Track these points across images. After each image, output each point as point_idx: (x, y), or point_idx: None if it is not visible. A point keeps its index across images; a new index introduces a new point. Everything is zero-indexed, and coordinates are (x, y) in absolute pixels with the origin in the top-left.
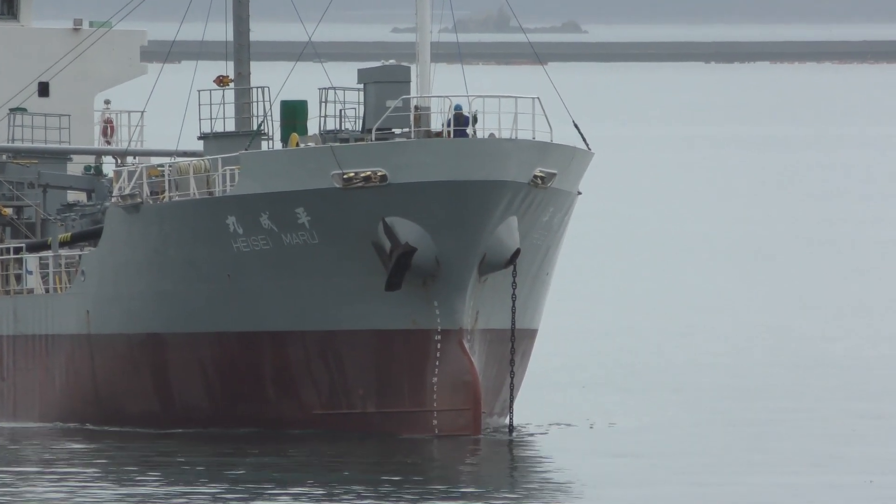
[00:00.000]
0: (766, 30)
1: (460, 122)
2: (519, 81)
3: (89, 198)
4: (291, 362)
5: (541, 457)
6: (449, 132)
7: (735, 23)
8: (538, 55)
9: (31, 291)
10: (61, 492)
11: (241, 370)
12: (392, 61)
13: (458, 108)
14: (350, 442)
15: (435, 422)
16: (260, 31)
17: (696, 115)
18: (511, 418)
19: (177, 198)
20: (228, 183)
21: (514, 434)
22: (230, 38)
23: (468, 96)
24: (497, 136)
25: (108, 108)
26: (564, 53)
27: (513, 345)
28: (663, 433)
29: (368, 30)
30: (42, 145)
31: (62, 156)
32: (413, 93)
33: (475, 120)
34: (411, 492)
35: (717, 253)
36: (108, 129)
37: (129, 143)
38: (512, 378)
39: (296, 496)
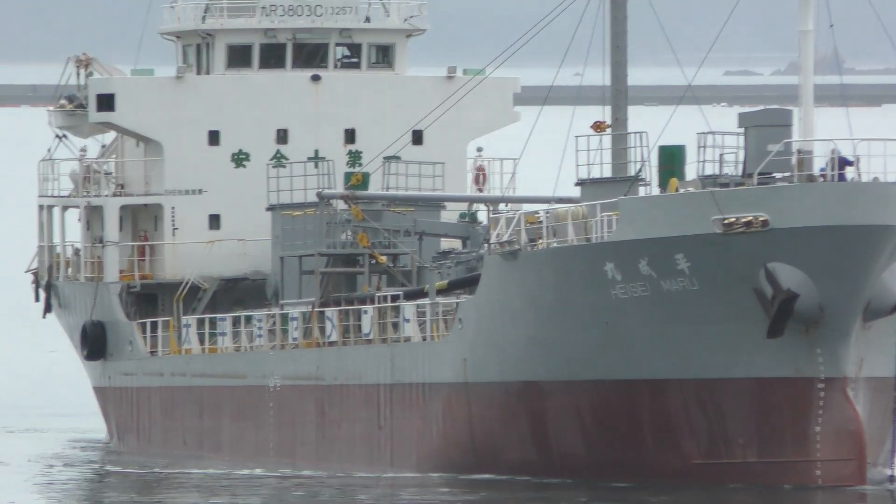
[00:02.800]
0: None
1: (841, 164)
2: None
3: (464, 245)
4: (670, 410)
5: None
6: (831, 175)
7: None
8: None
9: (408, 339)
10: None
11: (619, 418)
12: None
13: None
14: (731, 492)
15: (818, 472)
16: (637, 76)
17: None
18: (894, 469)
19: (555, 244)
20: (606, 229)
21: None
22: (607, 82)
23: (852, 139)
24: (881, 179)
25: (480, 156)
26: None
27: None
28: None
29: (705, 72)
30: (417, 193)
31: (436, 203)
32: (795, 136)
33: (856, 162)
34: None
35: None
36: (480, 176)
37: (503, 189)
38: (895, 428)
39: None
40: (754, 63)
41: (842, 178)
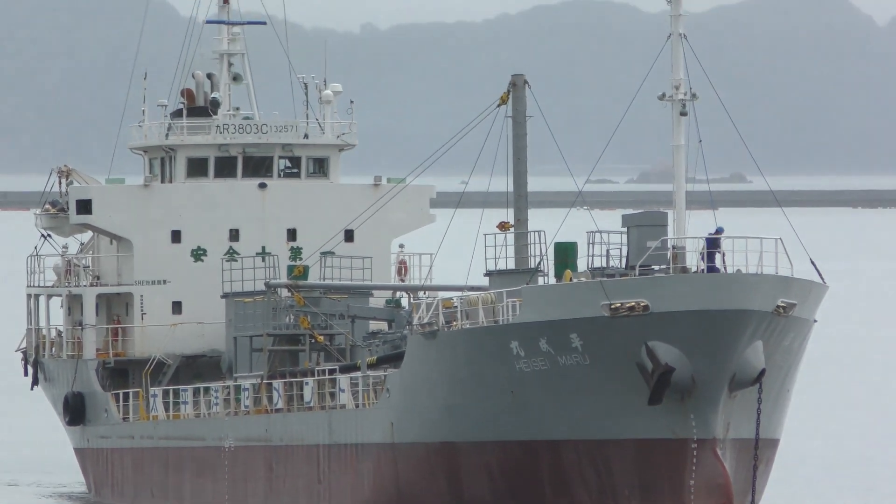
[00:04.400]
0: None
1: (716, 243)
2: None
3: (389, 326)
4: (566, 466)
5: None
6: (702, 269)
7: (877, 174)
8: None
9: (343, 406)
10: None
11: (522, 473)
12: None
13: (720, 229)
14: None
15: None
16: (536, 183)
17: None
18: None
19: (467, 325)
20: (511, 313)
21: None
22: (510, 189)
23: (720, 237)
24: (744, 271)
25: (402, 251)
26: (732, 200)
27: (756, 451)
28: None
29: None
30: (349, 282)
31: (366, 291)
32: (670, 234)
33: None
34: None
35: None
36: (402, 268)
37: (422, 279)
38: (754, 481)
39: None
40: (609, 173)
41: (714, 269)
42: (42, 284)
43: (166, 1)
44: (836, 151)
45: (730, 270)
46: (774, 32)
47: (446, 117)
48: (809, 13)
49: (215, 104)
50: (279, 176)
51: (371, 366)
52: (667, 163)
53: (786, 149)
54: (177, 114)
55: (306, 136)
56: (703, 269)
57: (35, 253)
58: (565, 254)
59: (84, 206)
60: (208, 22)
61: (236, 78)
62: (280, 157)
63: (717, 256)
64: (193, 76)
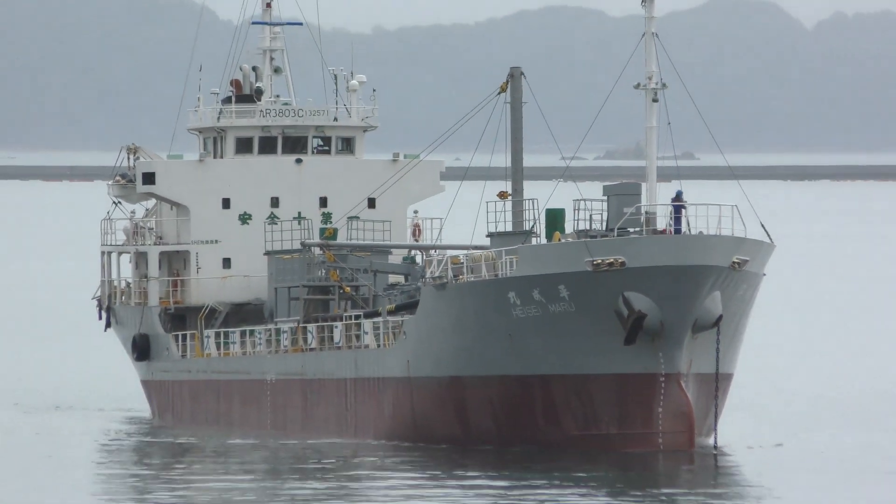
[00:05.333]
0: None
1: (679, 199)
2: (700, 193)
3: (406, 279)
4: (555, 397)
5: (737, 465)
6: (672, 229)
7: (804, 153)
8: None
9: (366, 346)
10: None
11: (519, 403)
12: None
13: (679, 192)
14: (598, 454)
15: (660, 440)
16: (535, 160)
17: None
18: (715, 438)
19: (472, 279)
20: (509, 268)
21: (717, 450)
22: (508, 164)
23: (685, 204)
24: (705, 233)
25: (416, 216)
26: (683, 175)
27: (717, 383)
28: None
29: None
30: (372, 242)
31: (386, 250)
32: (643, 202)
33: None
34: (641, 486)
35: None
36: (416, 230)
37: (433, 240)
38: (716, 408)
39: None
40: (580, 150)
41: (678, 212)
42: (113, 243)
43: (206, 6)
44: (769, 133)
45: (693, 232)
46: (719, 34)
47: (448, 104)
48: (749, 17)
49: (259, 92)
50: (313, 153)
51: (390, 312)
52: (629, 143)
53: (729, 131)
54: (227, 100)
55: (336, 119)
56: (672, 228)
57: (108, 217)
58: (555, 218)
59: (149, 178)
60: (254, 23)
61: (277, 70)
62: (313, 137)
63: (683, 214)
64: (241, 69)
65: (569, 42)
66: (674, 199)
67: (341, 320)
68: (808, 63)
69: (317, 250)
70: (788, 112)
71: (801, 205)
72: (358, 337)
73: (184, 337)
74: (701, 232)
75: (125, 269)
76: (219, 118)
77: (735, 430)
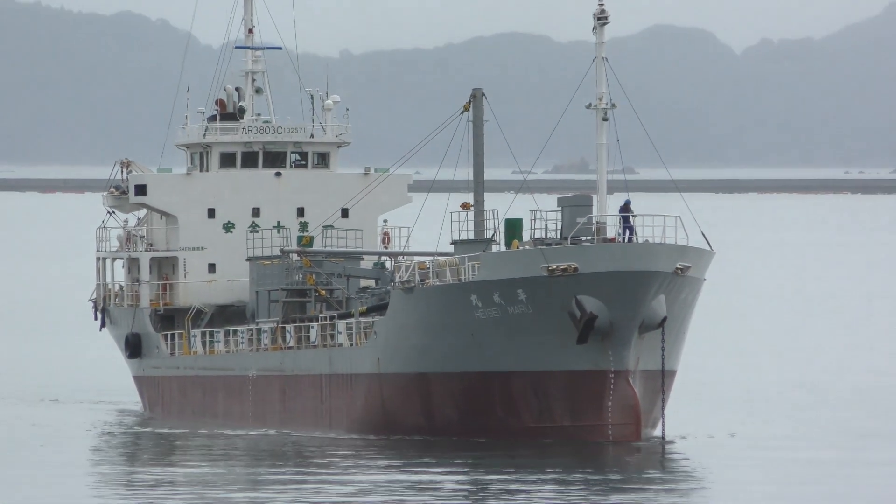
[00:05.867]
0: (760, 171)
1: (627, 209)
2: (643, 205)
3: (376, 283)
4: (513, 392)
5: (682, 455)
6: (621, 238)
7: (733, 167)
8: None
9: (340, 345)
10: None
11: (480, 397)
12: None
13: (627, 201)
14: (553, 444)
15: (610, 432)
16: (492, 174)
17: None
18: (663, 430)
19: (437, 283)
20: (472, 273)
21: (664, 441)
22: (471, 177)
23: (632, 215)
24: (651, 241)
25: (386, 225)
26: (630, 188)
27: (663, 379)
28: (785, 441)
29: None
30: (345, 249)
31: (358, 256)
32: (594, 212)
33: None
34: (591, 474)
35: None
36: (386, 238)
37: (401, 247)
38: (663, 402)
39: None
40: (529, 165)
41: (627, 220)
42: (108, 250)
43: (191, 34)
44: (704, 149)
45: (640, 241)
46: (659, 59)
47: (414, 122)
48: (684, 44)
49: (242, 111)
50: (291, 167)
51: (362, 314)
52: (574, 157)
53: (667, 147)
54: (212, 118)
55: (312, 136)
56: (622, 236)
57: (102, 225)
58: (513, 227)
59: (140, 190)
60: (237, 47)
61: (258, 91)
62: (292, 152)
63: (632, 220)
64: (225, 89)
65: (518, 65)
66: (622, 208)
67: (317, 321)
68: (737, 85)
69: (295, 256)
70: (722, 129)
71: (730, 216)
72: (332, 336)
73: (172, 336)
74: (647, 240)
75: (119, 274)
76: (205, 135)
77: (678, 422)
